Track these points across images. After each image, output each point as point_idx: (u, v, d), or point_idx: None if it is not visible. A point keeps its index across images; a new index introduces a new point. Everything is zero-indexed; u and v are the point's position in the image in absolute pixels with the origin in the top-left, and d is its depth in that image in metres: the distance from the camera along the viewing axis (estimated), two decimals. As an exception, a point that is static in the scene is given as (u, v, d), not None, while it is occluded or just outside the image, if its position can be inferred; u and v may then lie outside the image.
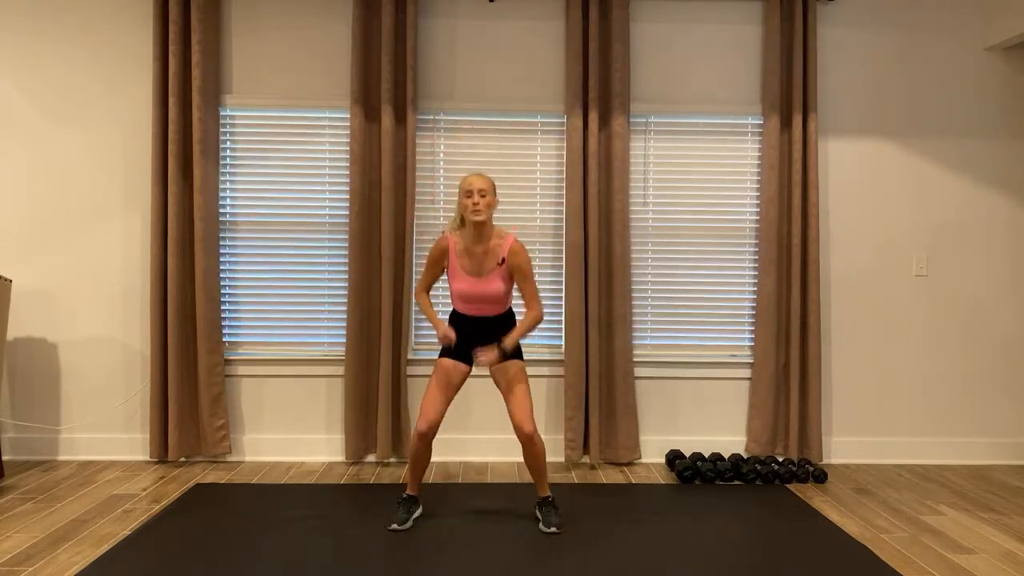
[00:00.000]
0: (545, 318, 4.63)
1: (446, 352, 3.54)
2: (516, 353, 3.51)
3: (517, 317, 3.62)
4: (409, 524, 3.47)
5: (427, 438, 3.43)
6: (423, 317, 4.64)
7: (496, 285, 3.45)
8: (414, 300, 4.19)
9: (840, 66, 4.67)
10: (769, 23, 4.52)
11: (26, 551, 3.20)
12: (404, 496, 3.55)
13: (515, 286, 3.54)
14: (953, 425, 4.73)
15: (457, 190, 3.86)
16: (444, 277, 3.68)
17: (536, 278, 4.59)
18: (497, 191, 4.56)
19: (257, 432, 4.64)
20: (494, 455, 4.67)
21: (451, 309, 3.62)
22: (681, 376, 4.68)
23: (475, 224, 3.41)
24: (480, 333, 3.54)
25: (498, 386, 3.53)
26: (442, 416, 3.46)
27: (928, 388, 4.73)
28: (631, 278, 4.61)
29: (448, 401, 3.50)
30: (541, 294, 4.64)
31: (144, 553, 3.17)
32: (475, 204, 3.37)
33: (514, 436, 4.60)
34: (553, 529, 3.43)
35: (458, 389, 3.56)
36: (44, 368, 4.59)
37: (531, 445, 3.42)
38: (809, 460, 4.39)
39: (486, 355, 3.39)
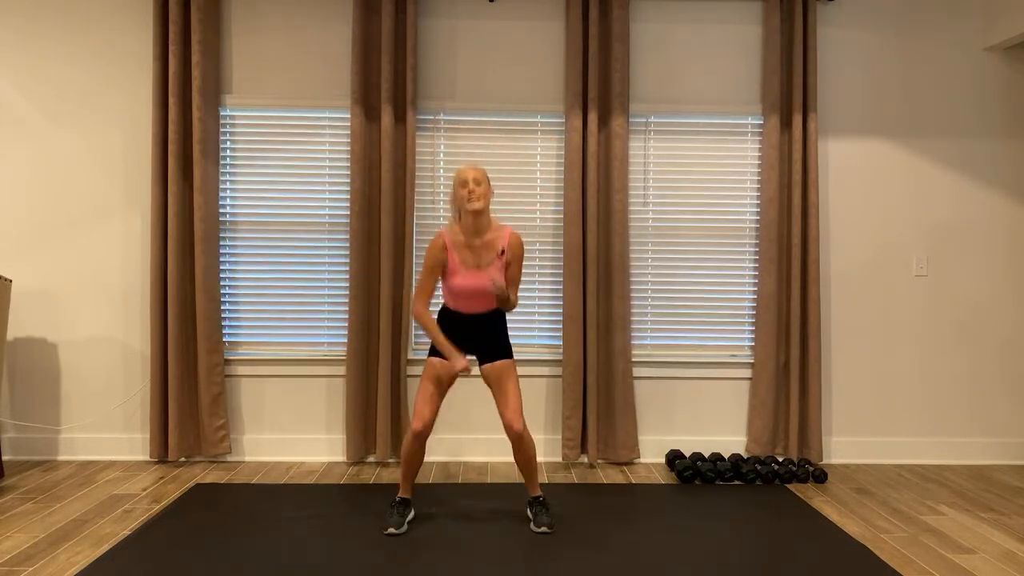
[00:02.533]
0: (544, 318, 4.65)
1: (436, 351, 3.55)
2: (506, 352, 3.52)
3: (508, 318, 3.61)
4: (405, 527, 3.46)
5: (423, 437, 3.43)
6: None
7: (494, 277, 3.45)
8: (413, 318, 4.01)
9: (840, 66, 4.67)
10: (769, 23, 4.52)
11: (26, 551, 3.20)
12: (397, 499, 3.53)
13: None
14: (953, 425, 4.73)
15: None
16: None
17: (536, 278, 4.63)
18: (495, 190, 4.62)
19: (257, 432, 4.64)
20: (494, 455, 4.67)
21: (441, 306, 3.62)
22: (681, 376, 4.68)
23: (473, 214, 3.40)
24: (471, 331, 3.53)
25: (488, 384, 3.53)
26: (436, 414, 3.46)
27: (928, 388, 4.73)
28: (630, 278, 4.62)
29: (441, 399, 3.49)
30: (540, 294, 4.65)
31: (144, 553, 3.17)
32: (471, 192, 3.37)
33: (514, 436, 4.60)
34: (544, 529, 3.42)
35: (449, 387, 3.56)
36: (44, 368, 4.59)
37: (521, 443, 3.42)
38: (809, 460, 4.39)
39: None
